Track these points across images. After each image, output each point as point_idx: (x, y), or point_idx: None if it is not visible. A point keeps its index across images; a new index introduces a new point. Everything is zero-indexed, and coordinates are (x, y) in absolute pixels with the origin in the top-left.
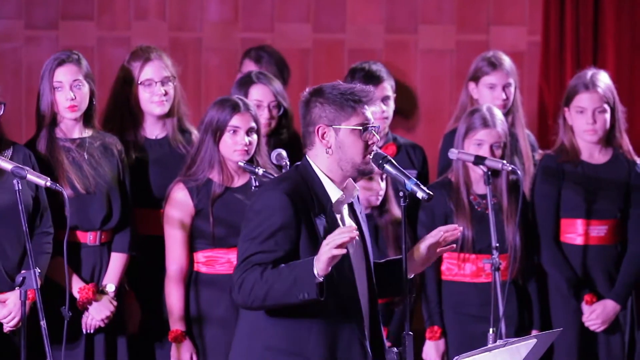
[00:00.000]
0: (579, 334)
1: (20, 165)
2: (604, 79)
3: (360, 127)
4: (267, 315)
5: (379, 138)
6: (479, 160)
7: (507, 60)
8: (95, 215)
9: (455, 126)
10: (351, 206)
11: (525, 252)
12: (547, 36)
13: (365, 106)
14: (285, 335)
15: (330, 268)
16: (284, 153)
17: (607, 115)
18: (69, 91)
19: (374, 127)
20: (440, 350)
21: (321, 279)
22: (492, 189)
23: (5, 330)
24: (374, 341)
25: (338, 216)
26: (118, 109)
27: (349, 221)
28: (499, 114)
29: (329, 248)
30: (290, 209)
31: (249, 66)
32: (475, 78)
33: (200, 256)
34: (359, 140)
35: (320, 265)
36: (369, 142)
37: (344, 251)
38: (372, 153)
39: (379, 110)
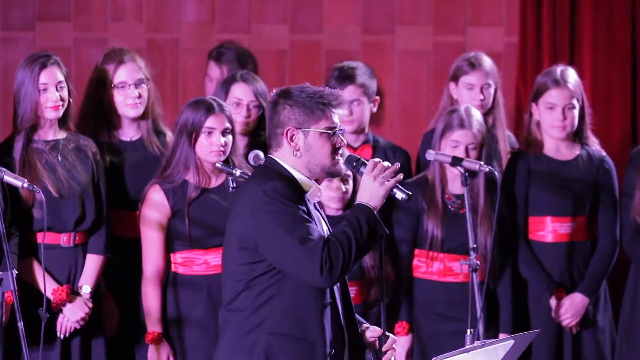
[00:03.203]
0: (556, 333)
1: None
2: (573, 75)
3: (329, 131)
4: (269, 304)
5: (346, 142)
6: (456, 161)
7: (487, 61)
8: (68, 217)
9: (435, 126)
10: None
11: (497, 254)
12: (524, 37)
13: (334, 110)
14: (290, 321)
15: None
16: (261, 154)
17: (576, 112)
18: (54, 92)
19: (341, 130)
20: (406, 346)
21: None
22: (469, 190)
23: None
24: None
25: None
26: (91, 111)
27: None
28: (476, 115)
29: (384, 181)
30: (290, 196)
31: (213, 67)
32: (455, 78)
33: (177, 257)
34: (327, 143)
35: (379, 202)
36: (337, 145)
37: (401, 176)
38: (345, 155)
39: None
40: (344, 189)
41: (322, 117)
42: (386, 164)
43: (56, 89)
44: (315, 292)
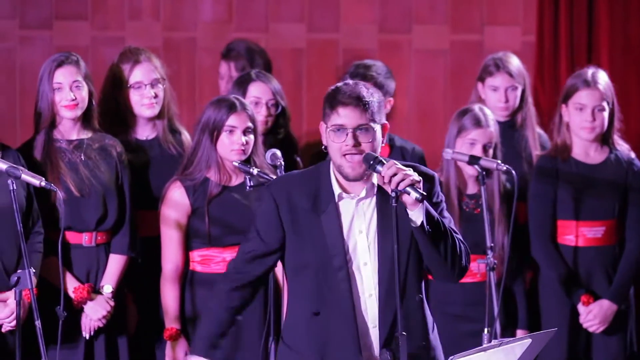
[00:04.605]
0: (570, 333)
1: (14, 165)
2: (603, 77)
3: (331, 130)
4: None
5: (349, 143)
6: (473, 160)
7: (513, 63)
8: (90, 216)
9: None
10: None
11: (513, 252)
12: (542, 36)
13: (340, 109)
14: (287, 328)
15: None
16: (278, 153)
17: (606, 114)
18: (68, 92)
19: (352, 130)
20: None
21: None
22: (485, 189)
23: (4, 330)
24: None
25: (347, 214)
26: (107, 110)
27: (359, 222)
28: (490, 114)
29: None
30: (272, 209)
31: (222, 64)
32: (482, 79)
33: (195, 255)
34: (332, 141)
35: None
36: (343, 145)
37: None
38: (364, 154)
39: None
40: None
41: (330, 114)
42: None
43: (71, 88)
44: (302, 300)
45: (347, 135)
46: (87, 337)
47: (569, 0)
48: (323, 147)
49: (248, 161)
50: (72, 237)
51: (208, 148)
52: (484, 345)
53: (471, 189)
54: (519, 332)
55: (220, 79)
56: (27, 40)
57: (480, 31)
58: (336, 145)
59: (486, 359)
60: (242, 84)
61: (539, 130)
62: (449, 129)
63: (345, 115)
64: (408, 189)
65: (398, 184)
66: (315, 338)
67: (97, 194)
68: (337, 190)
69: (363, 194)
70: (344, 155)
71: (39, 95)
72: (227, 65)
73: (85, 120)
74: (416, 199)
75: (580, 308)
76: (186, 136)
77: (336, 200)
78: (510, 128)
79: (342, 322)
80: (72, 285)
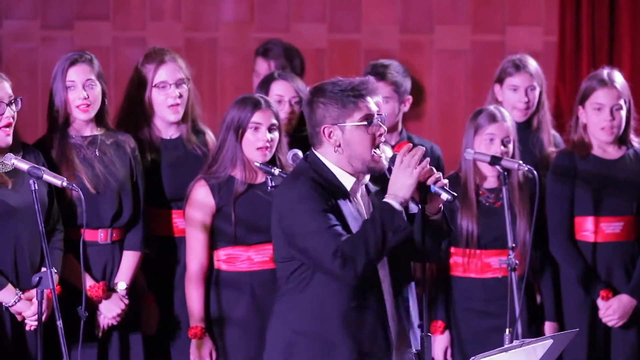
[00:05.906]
0: (590, 330)
1: (36, 166)
2: (620, 77)
3: (365, 122)
4: (295, 300)
5: (385, 129)
6: (495, 160)
7: (532, 63)
8: (106, 213)
9: None
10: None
11: (535, 248)
12: (563, 36)
13: (367, 98)
14: (310, 319)
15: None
16: (300, 153)
17: (624, 113)
18: (81, 90)
19: (379, 117)
20: (442, 344)
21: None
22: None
23: (28, 328)
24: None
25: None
26: (132, 110)
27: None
28: (505, 111)
29: (412, 169)
30: (317, 196)
31: (260, 63)
32: (500, 80)
33: (220, 254)
34: (366, 134)
35: (404, 192)
36: (377, 135)
37: (427, 160)
38: (392, 155)
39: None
40: None
41: (354, 109)
42: (417, 151)
43: (84, 87)
44: (340, 292)
45: (381, 122)
46: (100, 335)
47: (591, 1)
48: (335, 148)
49: (273, 159)
50: (87, 234)
51: (233, 146)
52: (506, 346)
53: (490, 183)
54: (547, 325)
55: (257, 77)
56: (48, 41)
57: (501, 31)
58: (369, 139)
59: (508, 359)
60: (264, 83)
61: (553, 132)
62: (465, 131)
63: (378, 104)
64: (438, 190)
65: (434, 183)
66: (351, 329)
67: (112, 190)
68: (347, 182)
69: (360, 192)
70: (378, 146)
71: (53, 93)
72: (266, 63)
73: (98, 119)
74: (447, 200)
75: (600, 303)
76: (210, 136)
77: (348, 190)
78: (526, 130)
79: (374, 312)
80: (87, 283)
